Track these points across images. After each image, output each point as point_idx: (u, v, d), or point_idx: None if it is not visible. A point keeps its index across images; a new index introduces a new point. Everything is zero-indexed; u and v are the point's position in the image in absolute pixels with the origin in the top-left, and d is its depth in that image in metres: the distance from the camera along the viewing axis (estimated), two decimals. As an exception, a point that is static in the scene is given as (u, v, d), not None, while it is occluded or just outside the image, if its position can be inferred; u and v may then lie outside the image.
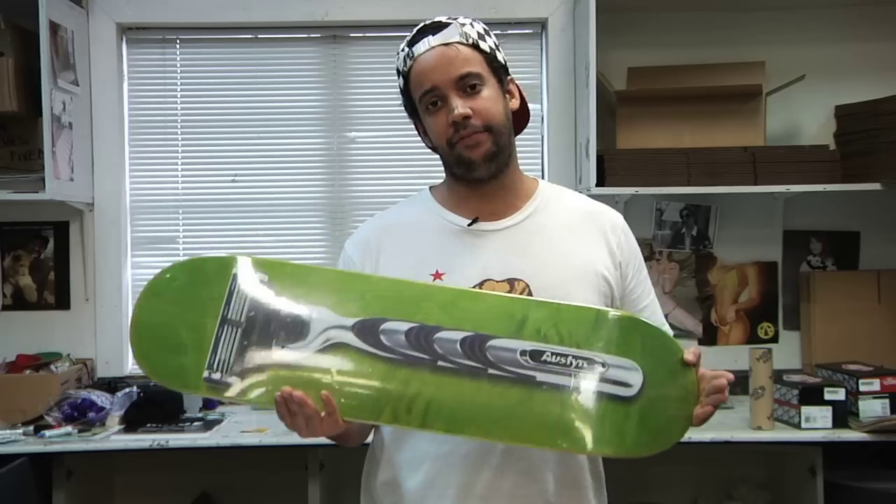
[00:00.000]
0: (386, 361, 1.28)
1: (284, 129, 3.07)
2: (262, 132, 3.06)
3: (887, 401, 2.43)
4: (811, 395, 2.42)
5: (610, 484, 1.48)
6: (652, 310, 1.51)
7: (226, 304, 1.31)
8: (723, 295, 3.01)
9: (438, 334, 1.28)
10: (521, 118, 1.48)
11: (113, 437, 2.46)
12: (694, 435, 2.31)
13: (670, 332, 1.54)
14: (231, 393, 1.29)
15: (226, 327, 1.30)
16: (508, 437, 1.29)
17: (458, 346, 1.28)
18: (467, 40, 1.38)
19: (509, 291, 1.38)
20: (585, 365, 1.27)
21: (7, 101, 2.68)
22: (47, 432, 2.46)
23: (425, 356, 1.28)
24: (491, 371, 1.27)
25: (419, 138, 1.49)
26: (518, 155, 1.47)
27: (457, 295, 1.32)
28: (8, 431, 2.47)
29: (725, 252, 3.01)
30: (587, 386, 1.27)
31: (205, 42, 3.07)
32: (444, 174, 1.49)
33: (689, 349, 1.30)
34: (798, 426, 2.41)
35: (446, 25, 1.39)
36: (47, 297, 2.99)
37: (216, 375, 1.29)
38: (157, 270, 1.35)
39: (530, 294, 1.38)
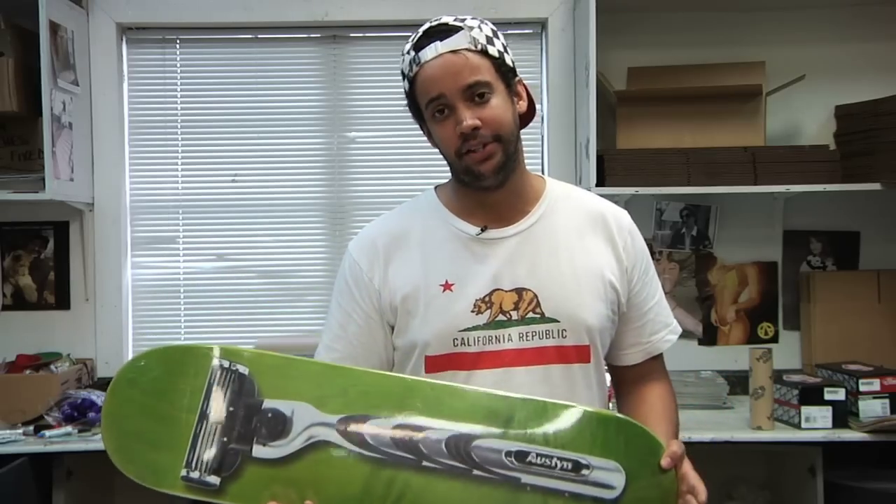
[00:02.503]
0: (370, 461, 1.24)
1: (284, 129, 3.07)
2: (262, 132, 3.06)
3: (887, 401, 2.43)
4: (811, 395, 2.42)
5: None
6: (657, 311, 1.51)
7: (205, 398, 1.25)
8: (723, 295, 3.01)
9: (423, 433, 1.25)
10: (526, 115, 1.46)
11: (113, 437, 2.46)
12: (694, 435, 2.33)
13: (678, 330, 1.53)
14: (211, 493, 1.24)
15: (205, 423, 1.25)
16: None
17: (443, 446, 1.25)
18: (476, 46, 1.34)
19: (518, 301, 1.37)
20: (570, 467, 1.25)
21: (7, 101, 2.68)
22: (47, 432, 2.46)
23: (410, 456, 1.24)
24: (476, 472, 1.24)
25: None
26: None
27: (442, 391, 1.29)
28: (8, 431, 2.47)
29: (725, 252, 3.01)
30: (571, 489, 1.24)
31: (205, 42, 3.07)
32: (445, 174, 1.48)
33: (670, 449, 1.27)
34: (798, 426, 2.41)
35: (454, 30, 1.35)
36: (47, 297, 2.99)
37: (195, 474, 1.23)
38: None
39: (539, 304, 1.37)
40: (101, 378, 2.91)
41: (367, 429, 1.25)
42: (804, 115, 2.97)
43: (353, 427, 1.25)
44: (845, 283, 2.92)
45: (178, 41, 3.07)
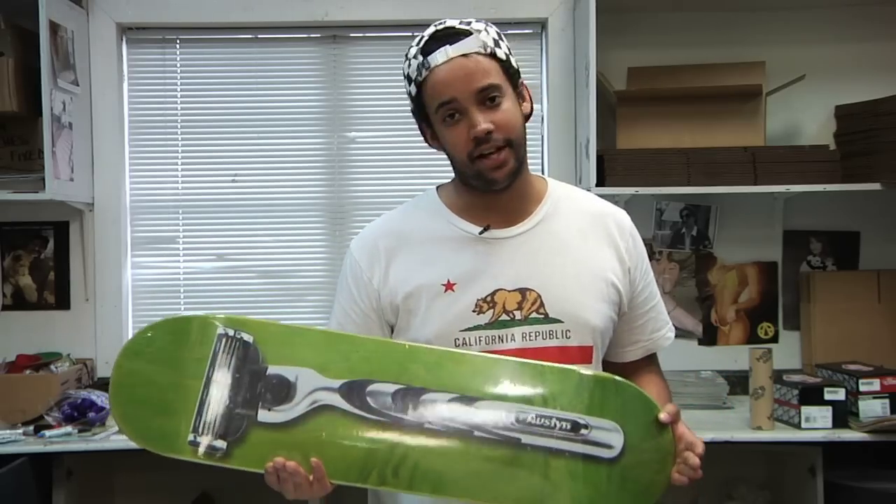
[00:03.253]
0: (373, 424, 1.28)
1: (284, 129, 3.07)
2: (262, 132, 3.06)
3: (887, 401, 2.43)
4: (811, 395, 2.41)
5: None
6: (658, 310, 1.53)
7: (210, 366, 1.29)
8: (723, 295, 3.01)
9: (425, 396, 1.28)
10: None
11: (113, 437, 2.46)
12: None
13: (673, 331, 1.55)
14: (218, 457, 1.27)
15: (211, 389, 1.29)
16: (493, 499, 1.28)
17: (445, 409, 1.28)
18: (486, 50, 1.35)
19: (521, 301, 1.38)
20: (569, 427, 1.28)
21: (7, 101, 2.68)
22: (47, 432, 2.46)
23: (412, 419, 1.28)
24: (477, 433, 1.28)
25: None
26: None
27: (442, 356, 1.32)
28: (8, 431, 2.47)
29: (725, 252, 3.01)
30: (571, 448, 1.27)
31: (205, 42, 3.07)
32: (445, 174, 1.49)
33: (666, 407, 1.30)
34: (798, 426, 2.41)
35: (463, 34, 1.35)
36: (47, 297, 2.99)
37: (202, 439, 1.27)
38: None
39: (542, 304, 1.38)
40: (101, 378, 2.90)
41: (369, 393, 1.28)
42: (804, 115, 2.96)
43: (355, 391, 1.28)
44: (845, 283, 2.92)
45: (178, 41, 3.07)
